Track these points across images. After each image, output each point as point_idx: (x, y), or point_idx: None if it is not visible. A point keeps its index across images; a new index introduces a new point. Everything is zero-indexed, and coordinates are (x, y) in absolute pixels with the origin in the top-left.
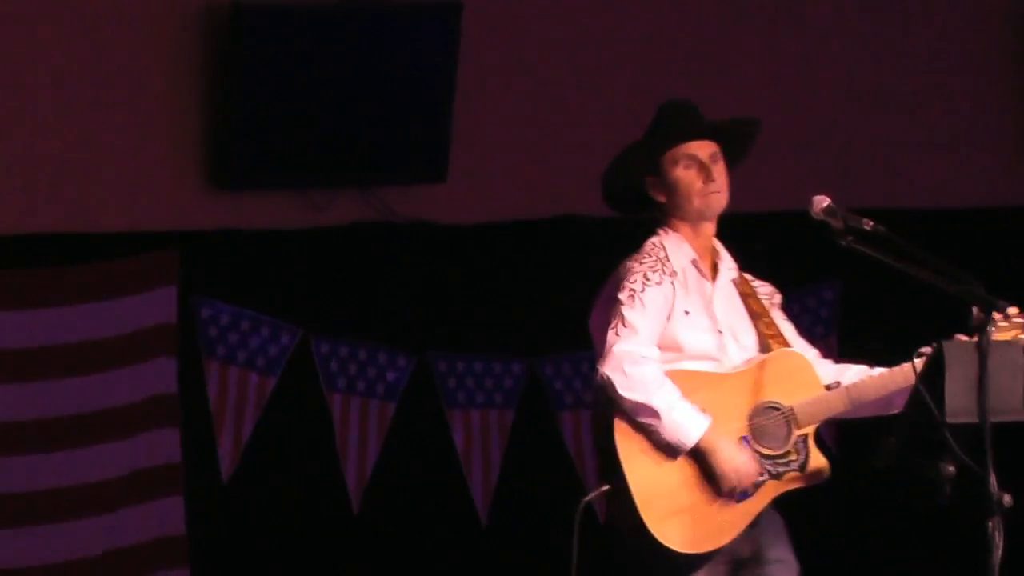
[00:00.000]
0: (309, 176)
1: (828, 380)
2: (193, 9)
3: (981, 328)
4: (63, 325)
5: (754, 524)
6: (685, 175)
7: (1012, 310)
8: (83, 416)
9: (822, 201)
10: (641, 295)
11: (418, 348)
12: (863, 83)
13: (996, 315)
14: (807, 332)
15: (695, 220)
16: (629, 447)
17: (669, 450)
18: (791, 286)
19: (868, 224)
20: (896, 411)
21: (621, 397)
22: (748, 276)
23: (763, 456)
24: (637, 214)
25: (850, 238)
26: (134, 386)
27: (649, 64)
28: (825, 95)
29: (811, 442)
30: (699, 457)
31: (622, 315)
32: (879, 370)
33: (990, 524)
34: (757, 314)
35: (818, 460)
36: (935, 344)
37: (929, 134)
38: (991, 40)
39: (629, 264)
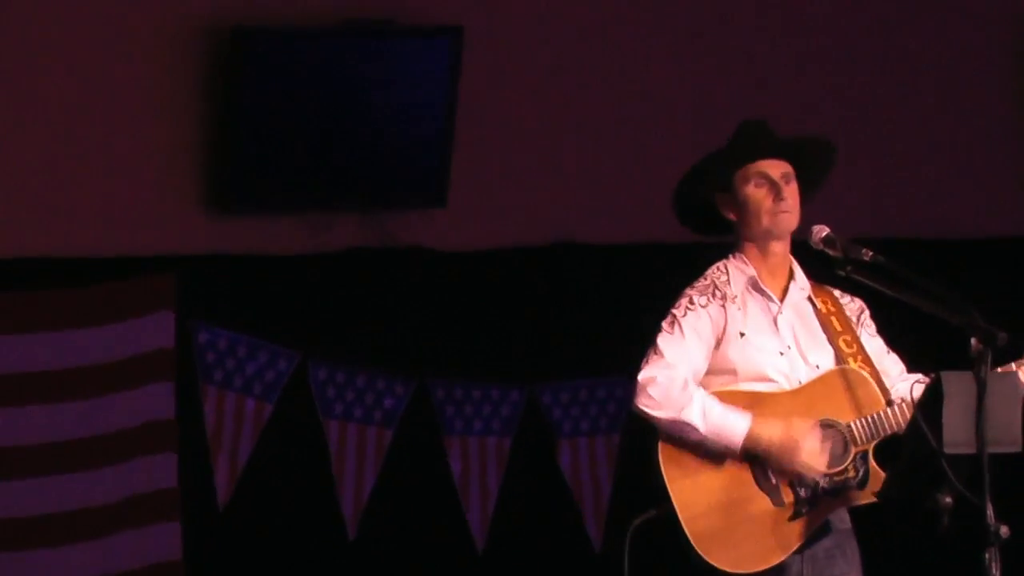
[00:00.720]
0: (308, 201)
1: (910, 396)
2: (194, 32)
3: (980, 359)
4: (59, 349)
5: (831, 549)
6: (755, 193)
7: None
8: (79, 441)
9: (821, 231)
10: (681, 320)
11: (416, 374)
12: (867, 110)
13: None
14: None
15: (763, 239)
16: (674, 470)
17: (722, 458)
18: None
19: (867, 254)
20: None
21: (657, 419)
22: (838, 292)
23: None
24: (708, 234)
25: (849, 268)
26: (131, 411)
27: (651, 89)
28: (828, 124)
29: (871, 459)
30: (751, 466)
31: (656, 343)
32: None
33: (987, 555)
34: (837, 332)
35: (878, 477)
36: (934, 374)
37: (934, 164)
38: (1000, 69)
39: (684, 290)
